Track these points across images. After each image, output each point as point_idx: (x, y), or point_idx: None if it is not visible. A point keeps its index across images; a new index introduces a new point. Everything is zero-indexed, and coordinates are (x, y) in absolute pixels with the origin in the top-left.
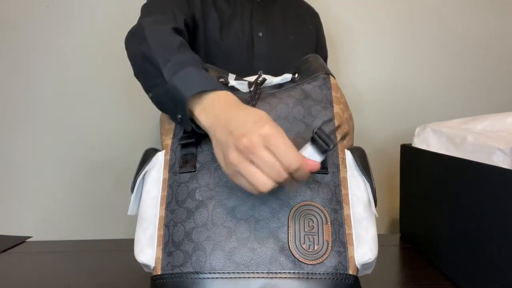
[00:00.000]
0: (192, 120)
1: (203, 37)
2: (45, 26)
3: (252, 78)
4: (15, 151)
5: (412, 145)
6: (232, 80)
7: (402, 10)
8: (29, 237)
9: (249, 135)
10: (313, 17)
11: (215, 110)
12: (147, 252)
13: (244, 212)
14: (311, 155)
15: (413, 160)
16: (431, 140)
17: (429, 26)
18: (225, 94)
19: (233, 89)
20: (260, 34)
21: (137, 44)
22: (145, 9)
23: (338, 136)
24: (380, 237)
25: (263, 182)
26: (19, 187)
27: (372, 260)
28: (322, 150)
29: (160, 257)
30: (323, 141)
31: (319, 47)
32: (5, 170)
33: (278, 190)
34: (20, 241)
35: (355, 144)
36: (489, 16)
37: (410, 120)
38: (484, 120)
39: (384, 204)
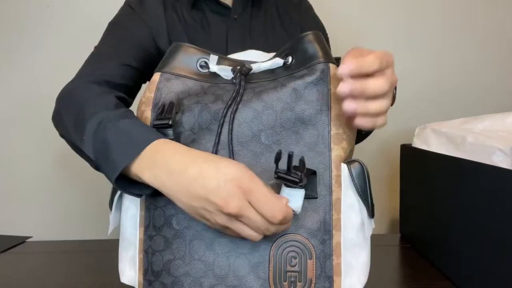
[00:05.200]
0: (135, 181)
1: None
2: (45, 26)
3: (239, 56)
4: (15, 151)
5: (412, 145)
6: (213, 63)
7: (402, 10)
8: (29, 237)
9: (232, 200)
10: (296, 11)
11: (160, 165)
12: (129, 274)
13: (223, 245)
14: (292, 194)
15: (413, 160)
16: (431, 140)
17: (429, 26)
18: (164, 144)
19: (214, 76)
20: None
21: (59, 124)
22: (88, 59)
23: (335, 147)
24: (380, 237)
25: (253, 235)
26: (19, 187)
27: None
28: (297, 187)
29: (142, 282)
30: (290, 181)
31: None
32: (5, 170)
33: None
34: (20, 241)
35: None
36: (489, 16)
37: (410, 120)
38: (484, 120)
39: (384, 204)
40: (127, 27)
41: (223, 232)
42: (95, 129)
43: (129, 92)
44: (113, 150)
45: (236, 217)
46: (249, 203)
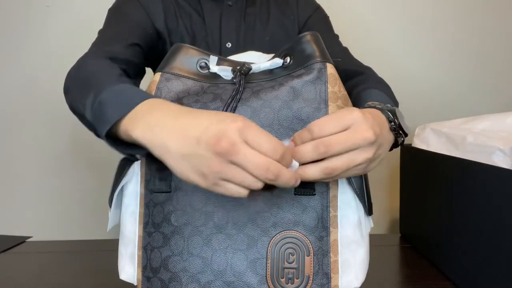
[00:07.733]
0: (121, 140)
1: None
2: (45, 26)
3: (238, 58)
4: (15, 151)
5: (412, 145)
6: (213, 64)
7: (401, 10)
8: (29, 237)
9: (226, 134)
10: (297, 5)
11: (154, 117)
12: (128, 270)
13: (221, 241)
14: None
15: (413, 160)
16: (431, 140)
17: (429, 27)
18: (158, 100)
19: (214, 76)
20: (229, 45)
21: (68, 95)
22: (94, 42)
23: None
24: (380, 237)
25: (253, 182)
26: (19, 187)
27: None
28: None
29: (141, 279)
30: None
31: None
32: (5, 171)
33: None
34: (20, 241)
35: None
36: (489, 16)
37: (410, 120)
38: (484, 120)
39: (384, 204)
40: (126, 11)
41: (219, 189)
42: (94, 93)
43: (136, 70)
44: (107, 107)
45: (230, 155)
46: (245, 142)
